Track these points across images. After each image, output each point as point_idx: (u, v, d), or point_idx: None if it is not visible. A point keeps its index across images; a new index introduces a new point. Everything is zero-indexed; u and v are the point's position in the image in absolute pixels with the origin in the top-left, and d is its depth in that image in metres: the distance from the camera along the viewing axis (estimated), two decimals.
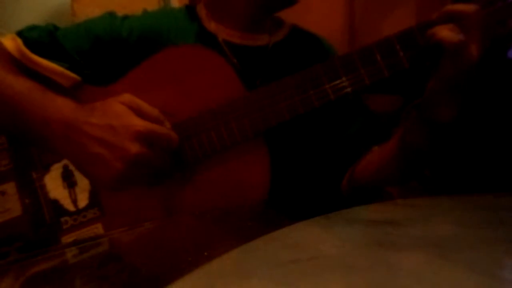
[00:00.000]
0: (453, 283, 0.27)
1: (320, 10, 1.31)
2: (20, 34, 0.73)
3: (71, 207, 0.71)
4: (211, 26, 0.81)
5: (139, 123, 0.60)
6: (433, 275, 0.28)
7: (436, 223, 0.42)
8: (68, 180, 0.71)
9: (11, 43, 0.71)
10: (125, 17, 0.79)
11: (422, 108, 0.67)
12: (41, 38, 0.74)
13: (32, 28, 0.75)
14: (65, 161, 0.72)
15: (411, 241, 0.36)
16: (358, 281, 0.28)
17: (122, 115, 0.61)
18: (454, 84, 0.61)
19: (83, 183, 0.71)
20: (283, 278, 0.29)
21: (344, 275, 0.29)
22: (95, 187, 0.71)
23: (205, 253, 0.37)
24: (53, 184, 0.72)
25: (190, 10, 0.84)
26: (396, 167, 0.76)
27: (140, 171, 0.61)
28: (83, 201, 0.71)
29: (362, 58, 0.65)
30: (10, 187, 0.71)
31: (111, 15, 0.79)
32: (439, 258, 0.31)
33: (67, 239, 0.70)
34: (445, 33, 0.59)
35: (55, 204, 0.71)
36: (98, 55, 0.75)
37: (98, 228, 0.71)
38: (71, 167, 0.71)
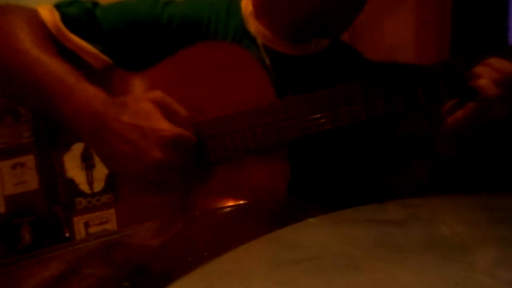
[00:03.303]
0: (454, 283, 0.27)
1: None
2: (58, 7, 0.70)
3: (86, 189, 0.71)
4: (253, 27, 0.78)
5: (167, 128, 0.60)
6: (434, 275, 0.28)
7: (437, 223, 0.42)
8: (87, 162, 0.71)
9: (49, 16, 0.69)
10: (167, 3, 0.76)
11: (426, 141, 0.68)
12: (79, 16, 0.71)
13: (71, 3, 0.72)
14: None
15: (412, 241, 0.36)
16: (359, 281, 0.28)
17: (152, 116, 0.60)
18: (467, 129, 0.62)
19: (101, 167, 0.70)
20: (283, 278, 0.29)
21: (345, 275, 0.29)
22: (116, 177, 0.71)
23: (205, 253, 0.37)
24: (72, 164, 0.71)
25: (233, 5, 0.80)
26: None
27: (161, 176, 0.60)
28: (99, 185, 0.71)
29: (401, 84, 0.62)
30: (29, 160, 0.71)
31: None
32: (440, 258, 0.31)
33: (79, 220, 0.70)
34: (484, 82, 0.58)
35: (71, 184, 0.71)
36: (133, 38, 0.73)
37: (111, 214, 0.71)
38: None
